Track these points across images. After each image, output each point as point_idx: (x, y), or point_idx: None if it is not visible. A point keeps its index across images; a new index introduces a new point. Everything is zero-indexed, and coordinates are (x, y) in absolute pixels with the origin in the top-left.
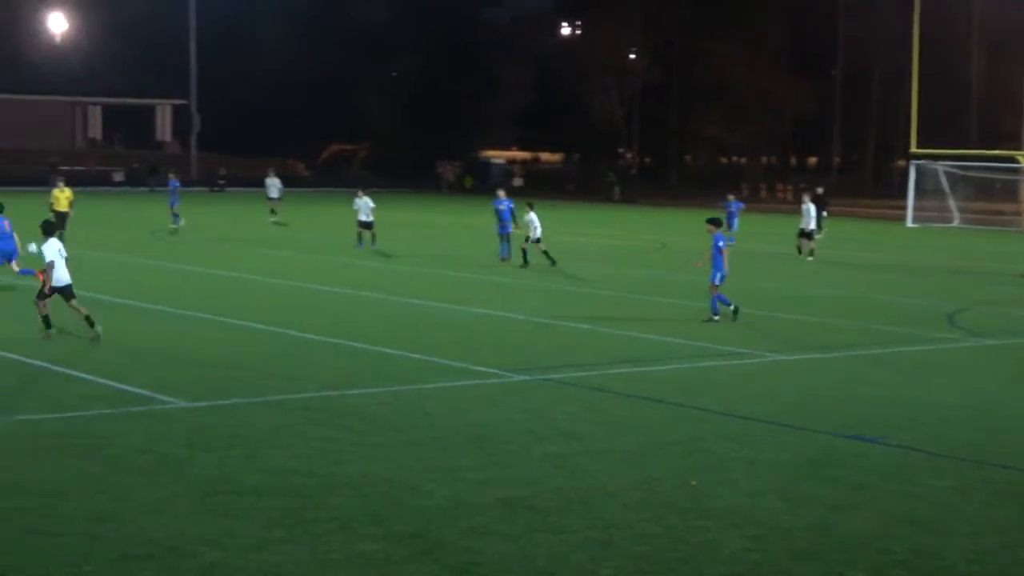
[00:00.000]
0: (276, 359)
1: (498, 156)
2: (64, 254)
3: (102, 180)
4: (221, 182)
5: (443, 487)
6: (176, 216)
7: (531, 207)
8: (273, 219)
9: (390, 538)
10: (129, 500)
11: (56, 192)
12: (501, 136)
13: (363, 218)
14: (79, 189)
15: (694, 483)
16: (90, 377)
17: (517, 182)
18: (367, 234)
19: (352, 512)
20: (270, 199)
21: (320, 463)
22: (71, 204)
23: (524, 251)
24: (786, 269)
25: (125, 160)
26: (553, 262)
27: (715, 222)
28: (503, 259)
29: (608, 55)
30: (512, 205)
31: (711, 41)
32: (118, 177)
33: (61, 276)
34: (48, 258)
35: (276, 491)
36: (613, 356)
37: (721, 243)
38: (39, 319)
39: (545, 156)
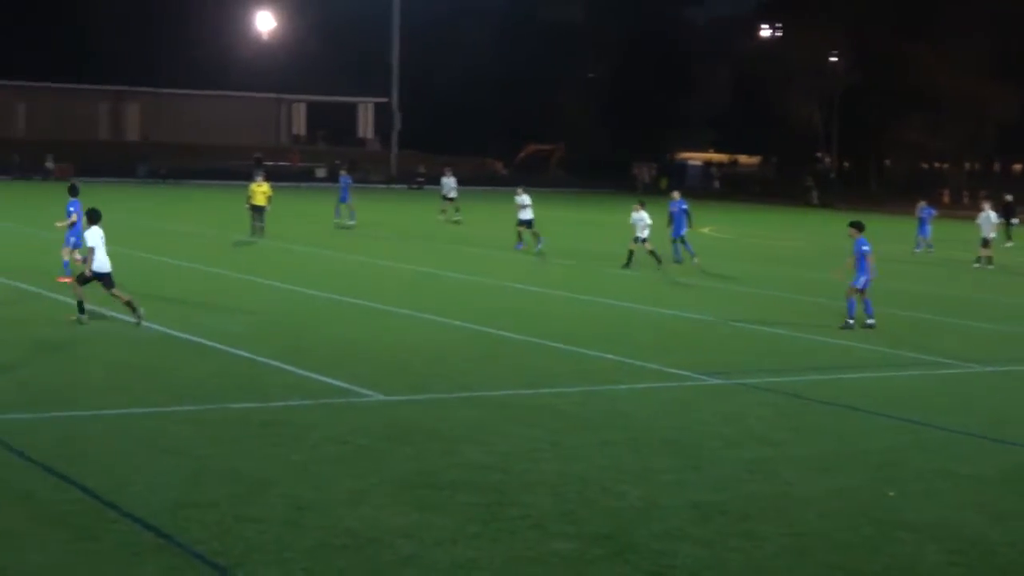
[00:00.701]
0: (473, 355)
1: (694, 158)
2: (104, 241)
3: (305, 176)
4: (420, 180)
5: (636, 488)
6: (351, 212)
7: (642, 205)
8: (443, 217)
9: (583, 538)
10: (328, 490)
11: (254, 186)
12: (697, 138)
13: (523, 216)
14: (282, 185)
15: (891, 494)
16: (293, 369)
17: (715, 184)
18: (527, 233)
19: (546, 510)
20: (446, 198)
21: (515, 460)
22: (268, 199)
23: (631, 252)
24: (977, 277)
25: (327, 157)
26: (659, 261)
27: (858, 226)
28: (676, 262)
29: (809, 57)
30: (687, 207)
31: (914, 44)
32: (320, 173)
33: (102, 263)
34: (90, 244)
35: (472, 486)
36: (805, 361)
37: (866, 247)
38: (76, 303)
39: (743, 159)
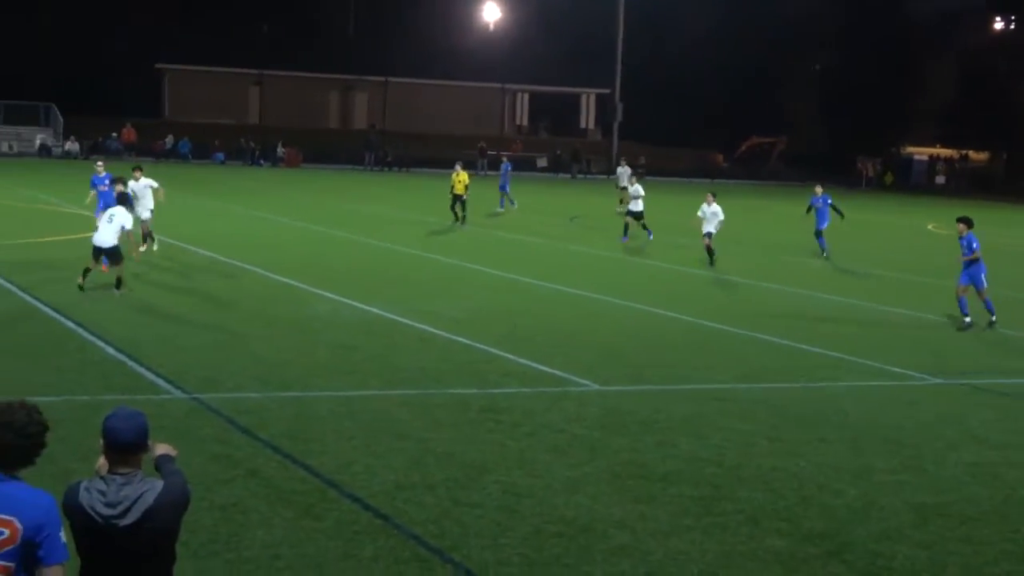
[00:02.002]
0: (688, 347)
1: (920, 153)
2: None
3: (526, 165)
4: (640, 171)
5: (854, 487)
6: (511, 200)
7: (714, 196)
8: (621, 208)
9: (797, 535)
10: (544, 477)
11: (454, 176)
12: (922, 133)
13: (634, 208)
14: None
15: None
16: (511, 356)
17: (939, 180)
18: (636, 225)
19: (761, 506)
20: (621, 188)
21: (731, 454)
22: (466, 188)
23: (709, 248)
24: None
25: (549, 146)
26: (712, 262)
27: (966, 221)
28: (824, 257)
29: None
30: (832, 201)
31: None
32: (541, 163)
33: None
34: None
35: (687, 479)
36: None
37: (976, 245)
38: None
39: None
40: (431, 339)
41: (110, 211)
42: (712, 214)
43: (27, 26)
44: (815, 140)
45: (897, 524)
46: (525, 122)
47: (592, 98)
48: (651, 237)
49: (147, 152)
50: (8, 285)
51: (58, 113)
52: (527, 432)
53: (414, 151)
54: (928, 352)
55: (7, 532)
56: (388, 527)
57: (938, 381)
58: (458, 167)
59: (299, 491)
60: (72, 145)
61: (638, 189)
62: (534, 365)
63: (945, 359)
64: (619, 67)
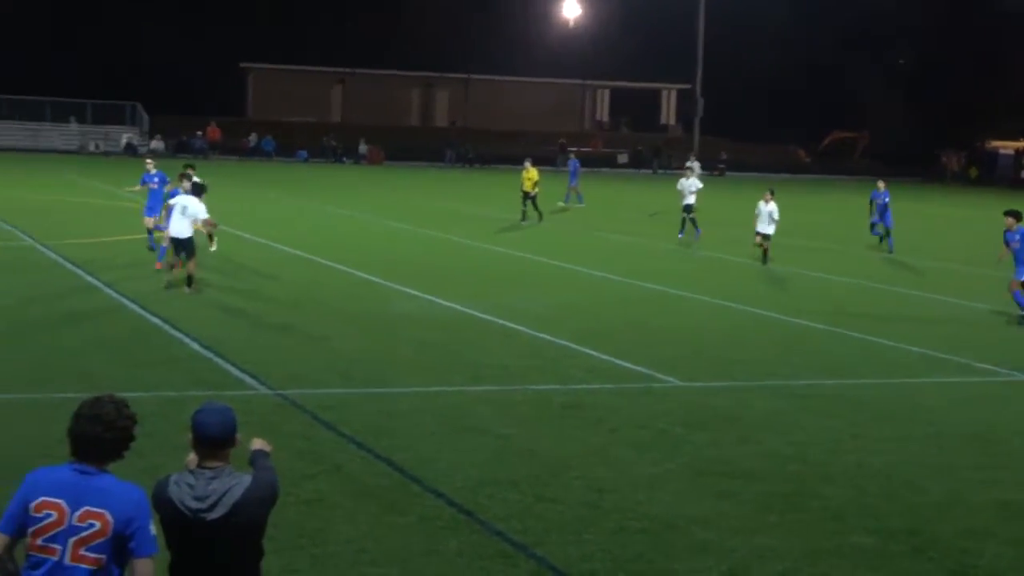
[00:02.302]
0: (771, 343)
1: (1005, 147)
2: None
3: (607, 162)
4: (721, 166)
5: (939, 484)
6: (578, 196)
7: (772, 194)
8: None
9: (883, 532)
10: (626, 473)
11: (523, 173)
12: (1008, 126)
13: (686, 201)
14: (586, 170)
15: None
16: (593, 352)
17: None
18: (688, 219)
19: (846, 503)
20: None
21: (815, 451)
22: (535, 185)
23: (762, 248)
24: None
25: (629, 142)
26: (765, 261)
27: (1015, 214)
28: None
29: None
30: (888, 199)
31: None
32: (622, 159)
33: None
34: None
35: (770, 475)
36: None
37: (1018, 237)
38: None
39: None
40: (513, 335)
41: (182, 203)
42: (768, 213)
43: (113, 26)
44: (899, 134)
45: (984, 521)
46: (606, 118)
47: (673, 93)
48: (680, 235)
49: (231, 150)
50: (95, 282)
51: (143, 112)
52: (609, 428)
53: (495, 148)
54: (1014, 348)
55: (98, 525)
56: (471, 522)
57: None
58: (527, 164)
59: (383, 486)
60: (157, 144)
61: (695, 183)
62: (616, 361)
63: None
64: (700, 61)
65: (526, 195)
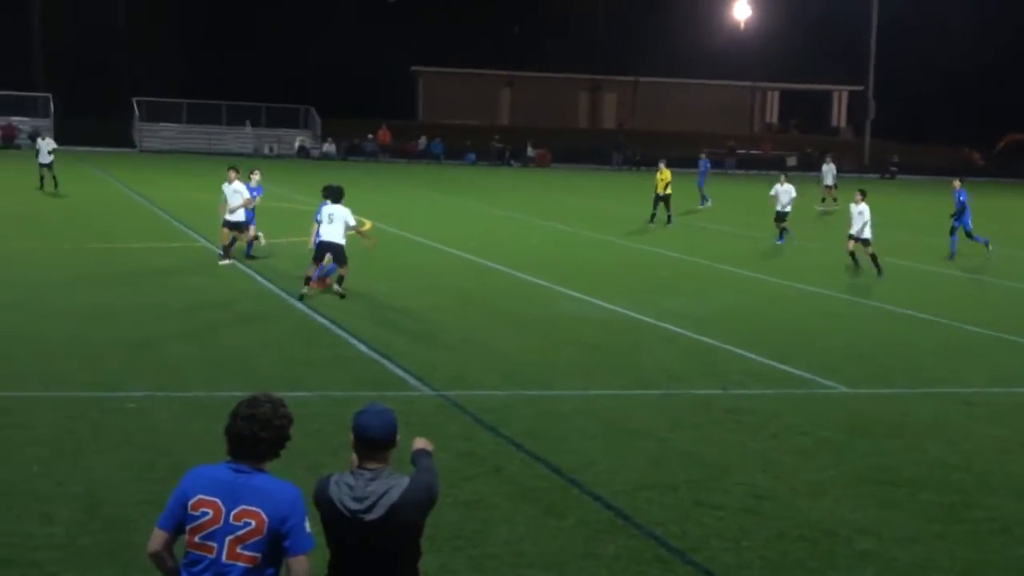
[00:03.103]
0: (935, 349)
1: None
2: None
3: (776, 164)
4: (893, 169)
5: None
6: (704, 197)
7: (863, 196)
8: (821, 207)
9: None
10: (787, 480)
11: (657, 175)
12: None
13: (780, 208)
14: (754, 173)
15: None
16: (754, 356)
17: None
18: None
19: (1013, 514)
20: (825, 186)
21: (981, 460)
22: (667, 186)
23: (852, 255)
24: None
25: (799, 145)
26: (879, 271)
27: None
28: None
29: None
30: (965, 197)
31: None
32: (791, 162)
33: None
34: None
35: (934, 485)
36: None
37: None
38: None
39: None
40: (674, 338)
41: (327, 210)
42: (859, 214)
43: (287, 30)
44: None
45: None
46: (775, 120)
47: (844, 95)
48: (781, 241)
49: (401, 153)
50: (264, 282)
51: (316, 116)
52: (770, 434)
53: (663, 150)
54: None
55: (254, 523)
56: (629, 527)
57: None
58: (661, 165)
59: (541, 488)
60: (329, 147)
61: (789, 189)
62: (778, 366)
63: None
64: (872, 63)
65: (659, 196)
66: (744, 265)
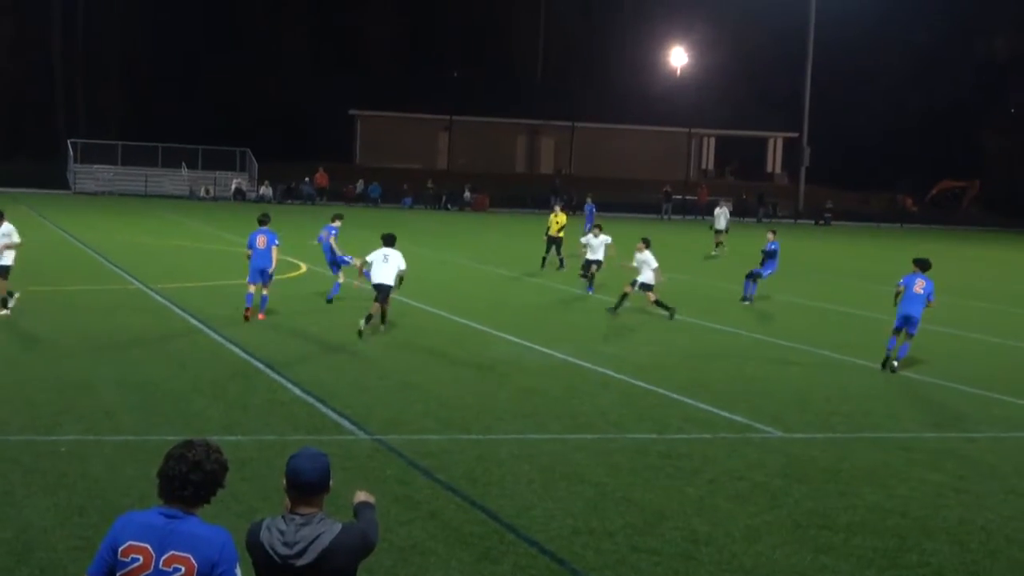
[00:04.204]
0: (876, 395)
1: None
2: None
3: (712, 209)
4: (827, 215)
5: None
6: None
7: (646, 244)
8: (715, 252)
9: None
10: (723, 525)
11: (552, 217)
12: None
13: (590, 256)
14: (689, 218)
15: None
16: (693, 402)
17: None
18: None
19: (947, 559)
20: (716, 230)
21: (916, 505)
22: (561, 229)
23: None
24: None
25: (734, 191)
26: (671, 315)
27: None
28: None
29: None
30: (776, 247)
31: None
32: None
33: (377, 275)
34: (368, 259)
35: (870, 530)
36: None
37: None
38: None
39: None
40: (612, 383)
41: (383, 251)
42: (642, 262)
43: (223, 73)
44: (1012, 184)
45: None
46: (711, 166)
47: (779, 141)
48: (590, 291)
49: (338, 196)
50: (200, 325)
51: (253, 158)
52: (708, 479)
53: (600, 195)
54: None
55: (183, 569)
56: (565, 572)
57: None
58: (557, 208)
59: (478, 534)
60: (266, 190)
61: (604, 239)
62: (716, 411)
63: None
64: (807, 110)
65: (551, 239)
66: (686, 312)
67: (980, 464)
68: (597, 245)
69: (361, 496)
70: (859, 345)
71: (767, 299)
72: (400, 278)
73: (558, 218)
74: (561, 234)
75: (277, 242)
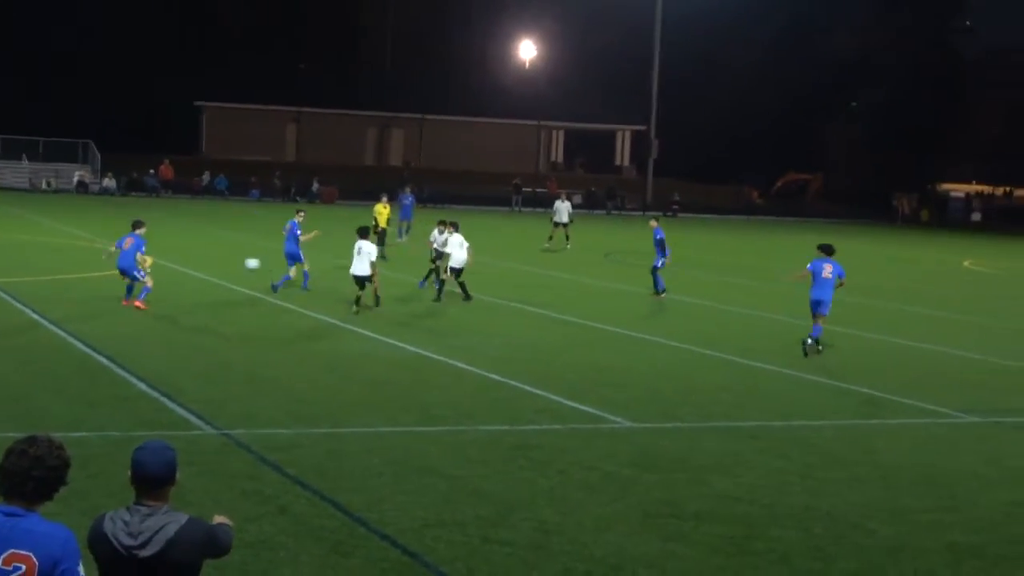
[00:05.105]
0: (725, 385)
1: (956, 189)
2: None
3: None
4: (675, 207)
5: (888, 526)
6: (406, 231)
7: (452, 227)
8: (548, 244)
9: (831, 574)
10: (574, 515)
11: (379, 207)
12: (961, 170)
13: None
14: (539, 210)
15: None
16: (544, 393)
17: (975, 217)
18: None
19: (793, 545)
20: (555, 224)
21: (764, 492)
22: (388, 220)
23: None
24: None
25: (584, 183)
26: (467, 296)
27: None
28: None
29: None
30: (661, 235)
31: None
32: (576, 200)
33: (353, 267)
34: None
35: (718, 517)
36: None
37: None
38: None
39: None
40: (463, 375)
41: (357, 244)
42: (456, 244)
43: (66, 63)
44: (855, 176)
45: (931, 564)
46: (561, 159)
47: (628, 134)
48: (439, 299)
49: (184, 189)
50: (42, 320)
51: (96, 150)
52: (558, 470)
53: (450, 187)
54: (964, 390)
55: (24, 568)
56: (416, 565)
57: (974, 419)
58: (384, 199)
59: (328, 528)
60: (109, 182)
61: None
62: (567, 402)
63: (984, 398)
64: (655, 103)
65: (381, 230)
66: (537, 304)
67: (824, 452)
68: (454, 245)
69: (219, 519)
70: (710, 336)
71: (614, 291)
72: (372, 265)
73: (385, 208)
74: (386, 225)
75: (143, 249)
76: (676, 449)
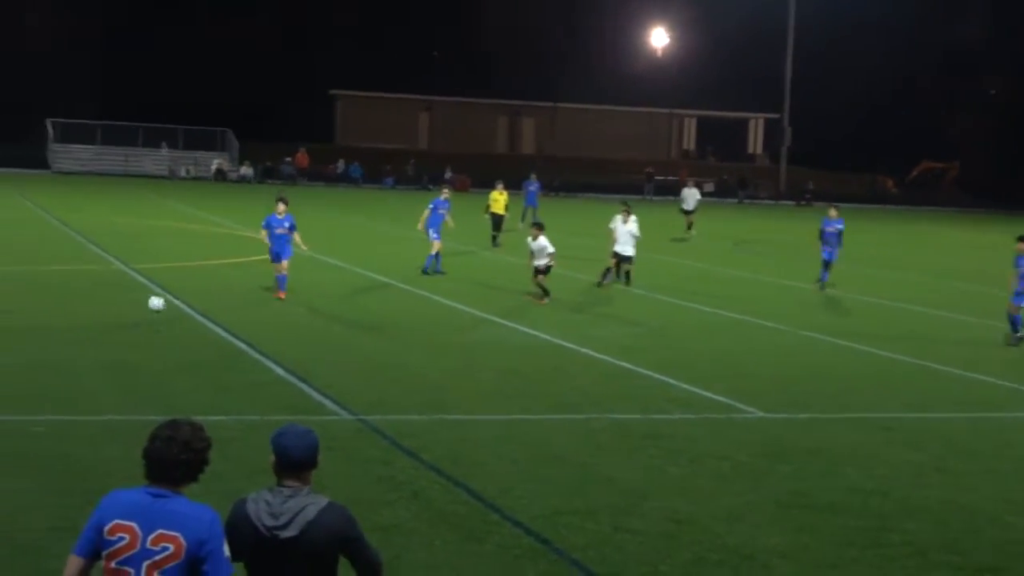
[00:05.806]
0: (858, 375)
1: None
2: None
3: None
4: (807, 196)
5: None
6: (524, 216)
7: (629, 211)
8: (688, 234)
9: (967, 569)
10: (705, 504)
11: (495, 194)
12: None
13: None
14: (671, 198)
15: None
16: (675, 382)
17: None
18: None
19: (928, 538)
20: (684, 211)
21: (898, 485)
22: (506, 207)
23: (626, 272)
24: None
25: (716, 172)
26: (628, 283)
27: None
28: None
29: None
30: (843, 227)
31: None
32: (708, 188)
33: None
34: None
35: (851, 509)
36: None
37: None
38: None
39: None
40: (595, 364)
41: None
42: (627, 232)
43: (205, 53)
44: (989, 165)
45: None
46: (692, 147)
47: (760, 123)
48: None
49: (319, 177)
50: (183, 306)
51: (234, 138)
52: (689, 459)
53: (581, 176)
54: None
55: (172, 548)
56: (549, 551)
57: None
58: (499, 186)
59: (460, 514)
60: (247, 170)
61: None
62: (698, 391)
63: None
64: (788, 91)
65: (496, 216)
66: (669, 292)
67: (959, 445)
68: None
69: None
70: (837, 325)
71: (749, 280)
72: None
73: (503, 195)
74: (506, 213)
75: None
76: (808, 440)
